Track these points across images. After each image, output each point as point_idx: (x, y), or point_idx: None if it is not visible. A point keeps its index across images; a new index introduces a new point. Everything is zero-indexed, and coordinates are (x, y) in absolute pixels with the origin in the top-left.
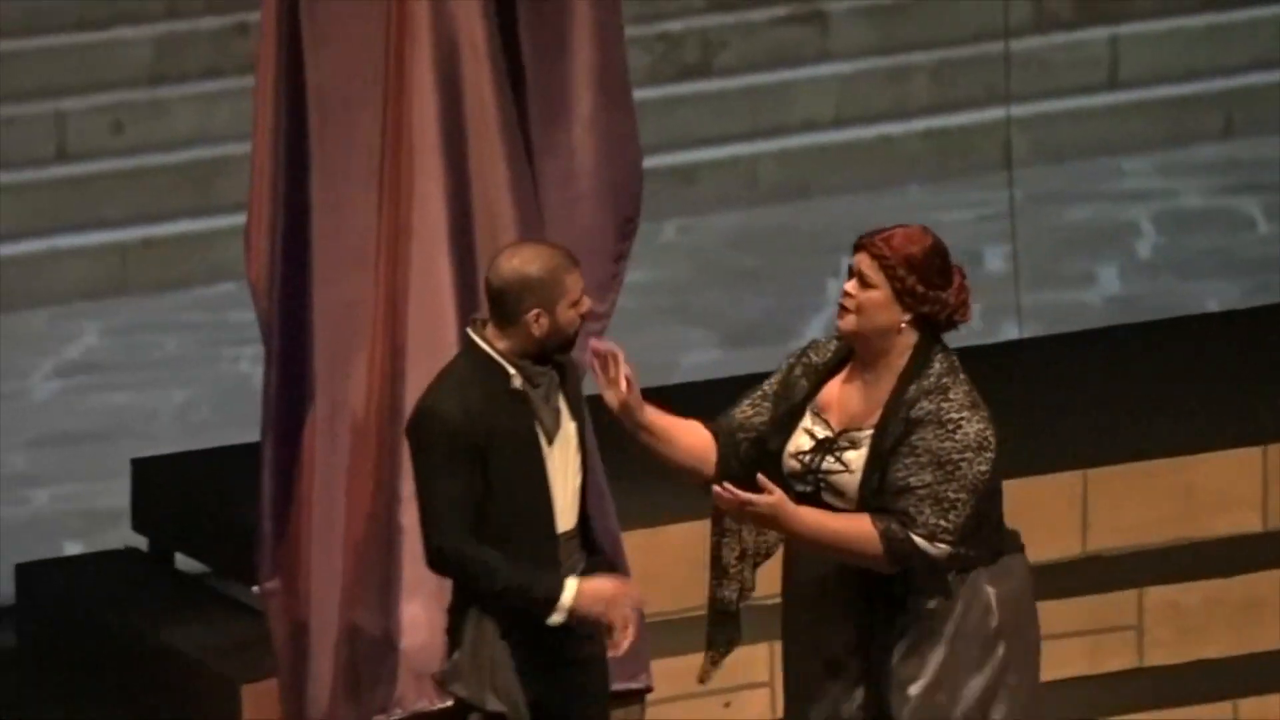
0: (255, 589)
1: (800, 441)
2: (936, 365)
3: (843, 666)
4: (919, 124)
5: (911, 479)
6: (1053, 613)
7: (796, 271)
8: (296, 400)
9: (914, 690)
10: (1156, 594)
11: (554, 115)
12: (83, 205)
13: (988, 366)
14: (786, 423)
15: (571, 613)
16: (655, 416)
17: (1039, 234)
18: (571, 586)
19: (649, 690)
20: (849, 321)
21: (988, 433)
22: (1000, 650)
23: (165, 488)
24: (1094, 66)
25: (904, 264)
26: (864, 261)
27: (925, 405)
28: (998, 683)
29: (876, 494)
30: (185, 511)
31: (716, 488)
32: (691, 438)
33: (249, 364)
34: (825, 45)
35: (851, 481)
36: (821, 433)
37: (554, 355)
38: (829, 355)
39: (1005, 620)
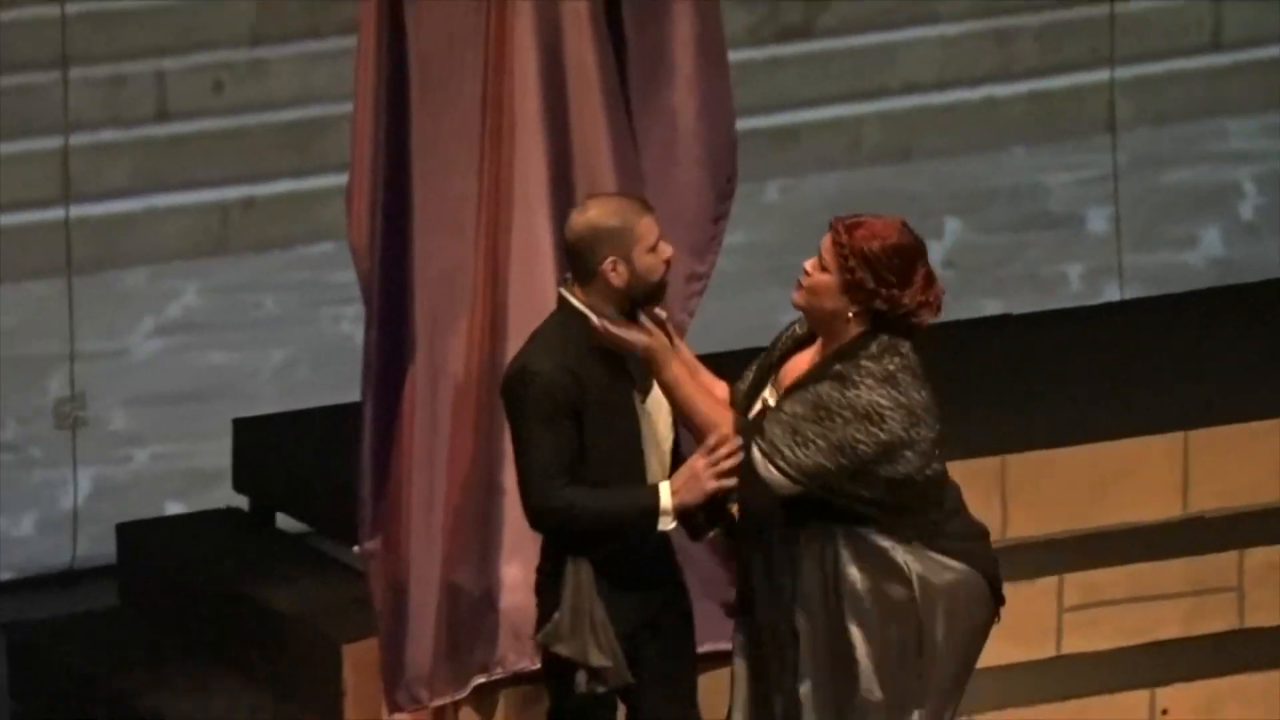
0: (356, 549)
1: (756, 409)
2: (871, 348)
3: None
4: (1023, 86)
5: (784, 406)
6: (1153, 575)
7: None
8: (397, 361)
9: (807, 648)
10: (1257, 555)
11: (655, 79)
12: (183, 165)
13: (1089, 328)
14: (755, 391)
15: (678, 510)
16: (698, 374)
17: (1142, 196)
18: (664, 489)
19: None
20: (799, 297)
21: (885, 410)
22: (910, 627)
23: (266, 448)
24: (1197, 28)
25: (857, 256)
26: (825, 243)
27: (837, 367)
28: (900, 662)
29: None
30: (286, 471)
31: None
32: (713, 401)
33: (349, 324)
34: (929, 7)
35: None
36: (772, 402)
37: (643, 305)
38: (806, 329)
39: (925, 604)
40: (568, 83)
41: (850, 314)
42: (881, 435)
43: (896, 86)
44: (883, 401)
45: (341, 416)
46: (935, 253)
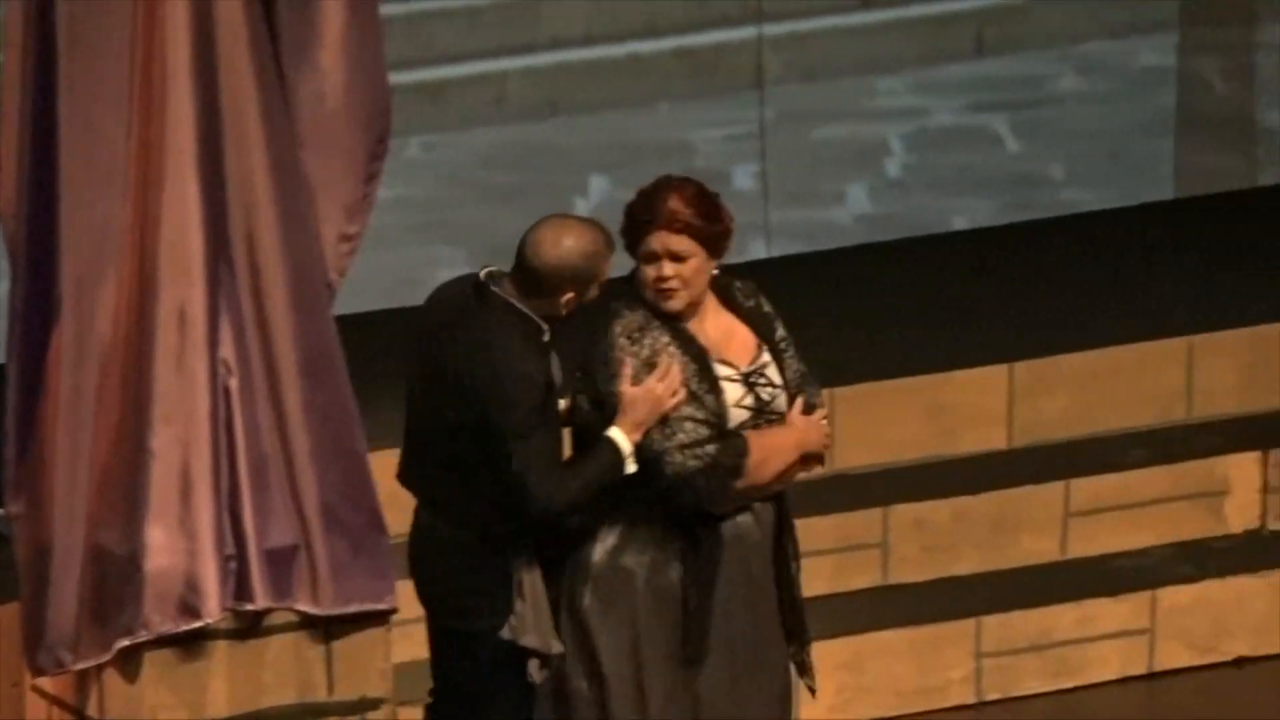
0: (0, 512)
1: (732, 393)
2: (722, 275)
3: None
4: (670, 42)
5: (799, 366)
6: (802, 531)
7: (546, 189)
8: (43, 321)
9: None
10: (902, 511)
11: (304, 36)
12: None
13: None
14: (709, 386)
15: (635, 444)
16: None
17: (789, 153)
18: (615, 433)
19: (394, 612)
20: (678, 300)
21: None
22: None
23: None
24: None
25: (712, 214)
26: (665, 238)
27: (758, 303)
28: None
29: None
30: None
31: None
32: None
33: None
34: None
35: (785, 395)
36: (736, 375)
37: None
38: (644, 317)
39: None
40: (217, 39)
41: (714, 268)
42: None
43: (543, 42)
44: None
45: None
46: (581, 210)
